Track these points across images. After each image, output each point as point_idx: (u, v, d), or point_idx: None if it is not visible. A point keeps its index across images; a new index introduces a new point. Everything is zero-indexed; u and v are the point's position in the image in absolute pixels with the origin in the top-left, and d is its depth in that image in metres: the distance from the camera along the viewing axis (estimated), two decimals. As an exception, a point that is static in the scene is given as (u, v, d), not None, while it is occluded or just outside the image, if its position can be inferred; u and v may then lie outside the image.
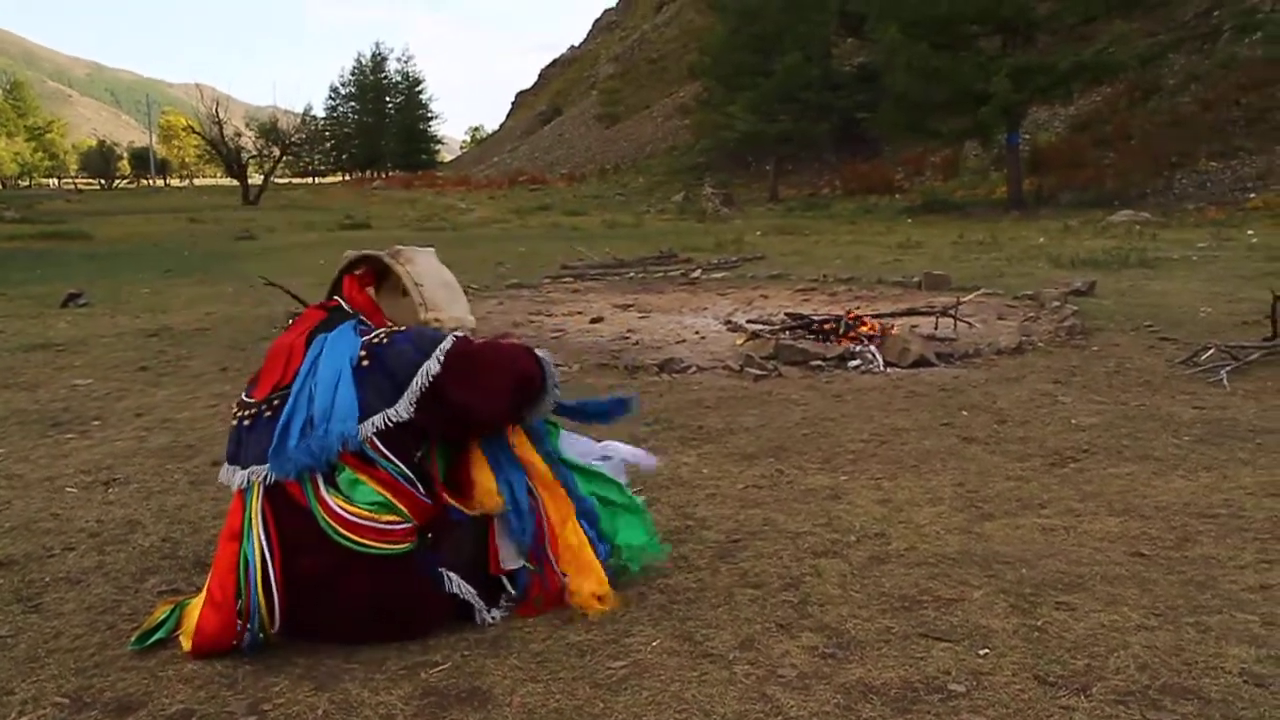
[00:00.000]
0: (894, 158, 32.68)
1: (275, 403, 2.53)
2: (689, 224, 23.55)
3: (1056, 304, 8.58)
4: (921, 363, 6.19)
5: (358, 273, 2.85)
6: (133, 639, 2.48)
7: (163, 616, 2.52)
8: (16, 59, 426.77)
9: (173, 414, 5.14)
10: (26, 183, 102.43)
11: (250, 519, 2.45)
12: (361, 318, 2.73)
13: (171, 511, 3.57)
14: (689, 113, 43.41)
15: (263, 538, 2.42)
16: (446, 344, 2.59)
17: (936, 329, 7.31)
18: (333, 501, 2.42)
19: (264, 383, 2.62)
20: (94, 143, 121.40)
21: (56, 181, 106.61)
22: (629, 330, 7.91)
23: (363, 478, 2.45)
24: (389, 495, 2.47)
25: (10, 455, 4.36)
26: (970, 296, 8.34)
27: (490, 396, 2.63)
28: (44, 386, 5.86)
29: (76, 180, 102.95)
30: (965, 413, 4.99)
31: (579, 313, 9.00)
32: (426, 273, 2.85)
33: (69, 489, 3.86)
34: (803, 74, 31.62)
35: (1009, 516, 3.43)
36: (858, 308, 8.27)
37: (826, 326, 7.00)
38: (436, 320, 2.78)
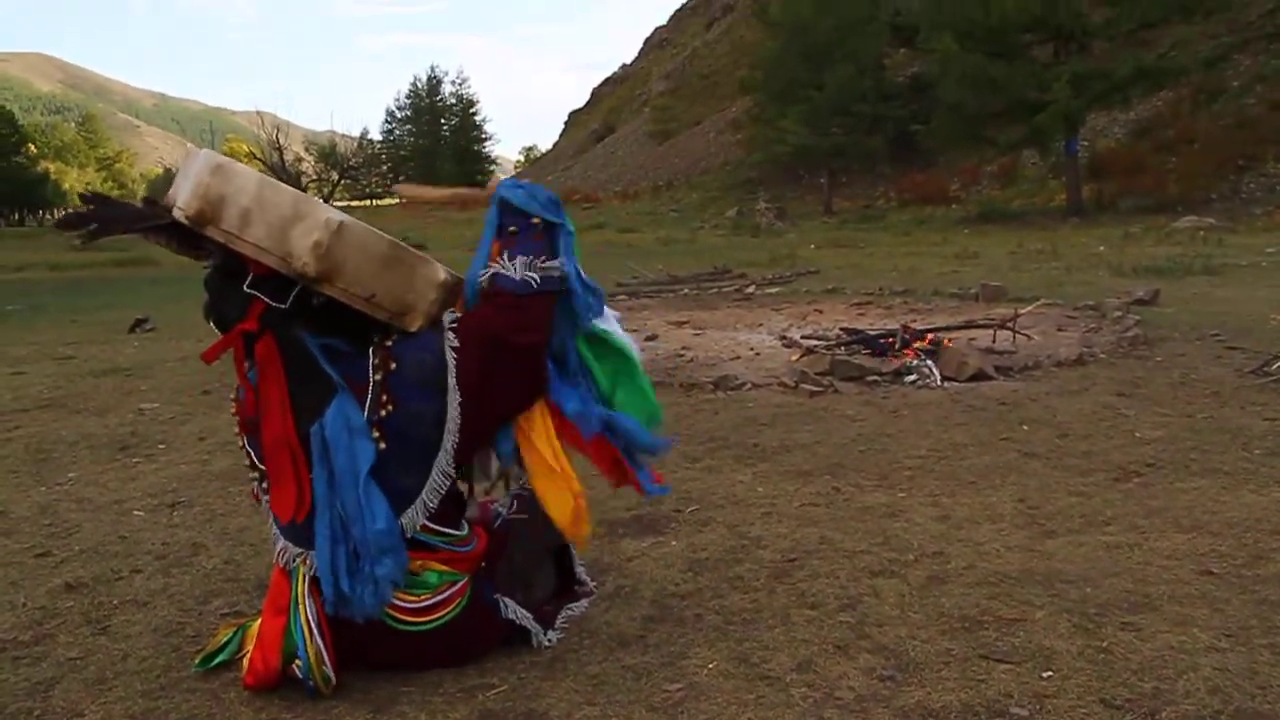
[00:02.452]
0: (949, 168, 32.34)
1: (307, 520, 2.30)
2: (743, 239, 23.53)
3: (1119, 314, 8.41)
4: (980, 376, 6.09)
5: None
6: (196, 661, 2.52)
7: (225, 639, 2.55)
8: (89, 93, 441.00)
9: (234, 438, 5.22)
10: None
11: (298, 602, 2.33)
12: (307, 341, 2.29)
13: (234, 534, 3.64)
14: (741, 128, 43.42)
15: (312, 623, 2.29)
16: (450, 347, 2.33)
17: (995, 342, 7.19)
18: (395, 598, 2.31)
19: (280, 498, 2.32)
20: (160, 171, 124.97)
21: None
22: (684, 347, 7.90)
23: (418, 566, 2.34)
24: (450, 568, 2.38)
25: (81, 479, 4.48)
26: (1029, 308, 8.20)
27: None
28: (113, 411, 6.01)
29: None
30: (1025, 427, 4.90)
31: (634, 330, 8.98)
32: (354, 262, 2.28)
33: (136, 512, 3.95)
34: (855, 86, 31.52)
35: (1072, 534, 3.36)
36: (914, 321, 8.17)
37: (882, 341, 6.93)
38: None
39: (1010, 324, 7.30)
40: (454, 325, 2.39)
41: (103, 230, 2.22)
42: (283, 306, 2.30)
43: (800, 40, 33.20)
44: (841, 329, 7.92)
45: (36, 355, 8.40)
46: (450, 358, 2.33)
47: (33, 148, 74.53)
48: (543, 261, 2.43)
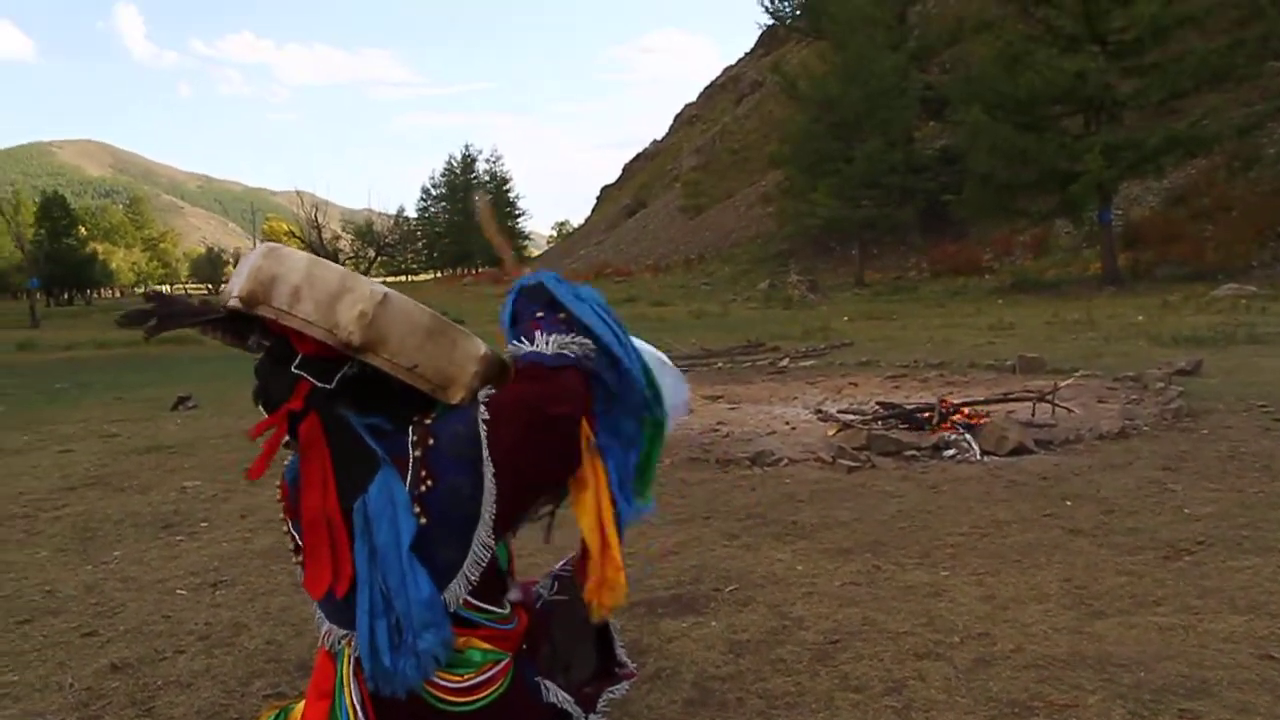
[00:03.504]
0: (981, 238, 32.37)
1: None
2: (775, 312, 23.60)
3: (1160, 385, 8.31)
4: (1020, 450, 6.03)
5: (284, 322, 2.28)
6: (240, 745, 2.51)
7: (267, 722, 2.54)
8: (137, 176, 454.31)
9: (275, 514, 5.25)
10: (141, 289, 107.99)
11: (343, 685, 2.31)
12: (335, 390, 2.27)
13: (275, 614, 3.65)
14: (772, 201, 43.80)
15: (357, 706, 2.28)
16: (483, 413, 2.30)
17: (1034, 415, 7.13)
18: (437, 677, 2.28)
19: (313, 573, 2.31)
20: (203, 250, 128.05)
21: (169, 288, 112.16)
22: (719, 422, 7.89)
23: (461, 644, 2.31)
24: (493, 646, 2.41)
25: (126, 557, 4.53)
26: (1068, 380, 8.14)
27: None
28: (156, 489, 6.09)
29: (187, 286, 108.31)
30: (1069, 502, 4.83)
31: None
32: (398, 333, 2.29)
33: (179, 591, 3.98)
34: (885, 159, 31.80)
35: (1122, 614, 3.29)
36: (951, 394, 8.13)
37: (920, 415, 6.89)
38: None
39: (1049, 396, 7.24)
40: (487, 400, 2.42)
41: (162, 325, 2.31)
42: (328, 387, 2.35)
43: (829, 114, 33.62)
44: (877, 403, 7.89)
45: (83, 433, 8.55)
46: (483, 430, 2.36)
47: (83, 230, 76.73)
48: (573, 338, 2.46)
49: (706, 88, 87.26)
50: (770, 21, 55.63)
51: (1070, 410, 7.27)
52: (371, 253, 52.41)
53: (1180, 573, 3.70)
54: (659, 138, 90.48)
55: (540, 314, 2.47)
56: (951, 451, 6.11)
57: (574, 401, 2.43)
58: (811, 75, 37.18)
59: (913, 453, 6.13)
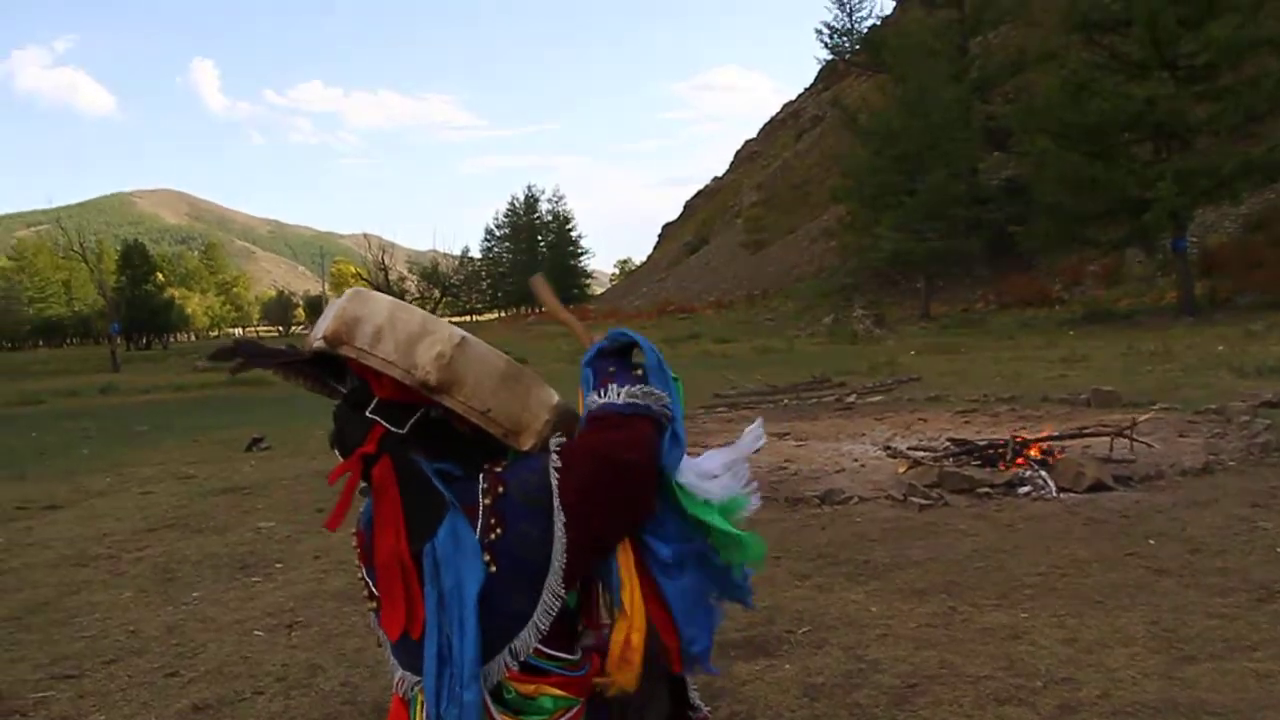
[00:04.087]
0: (1050, 269, 31.78)
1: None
2: (840, 347, 23.40)
3: (1245, 418, 8.05)
4: (1098, 487, 5.88)
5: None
6: (318, 788, 2.53)
7: (346, 765, 2.56)
8: (211, 223, 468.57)
9: (347, 555, 5.33)
10: (215, 333, 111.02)
11: None
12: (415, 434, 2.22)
13: (350, 655, 3.69)
14: (834, 235, 43.60)
15: None
16: (554, 460, 2.26)
17: (1112, 450, 6.94)
18: None
19: (389, 615, 2.26)
20: (273, 294, 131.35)
21: (241, 330, 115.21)
22: (787, 460, 7.83)
23: (532, 691, 2.39)
24: (566, 693, 2.40)
25: (205, 598, 4.62)
26: (1147, 415, 7.92)
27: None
28: (232, 529, 6.21)
29: (258, 328, 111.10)
30: (1152, 541, 4.69)
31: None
32: (473, 376, 2.27)
33: (257, 632, 4.04)
34: (949, 191, 31.49)
35: (1215, 660, 3.17)
36: (1023, 429, 7.96)
37: (992, 451, 6.76)
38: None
39: (1127, 431, 7.05)
40: (558, 448, 2.44)
41: (247, 364, 2.39)
42: (401, 431, 2.40)
43: (891, 147, 33.42)
44: (948, 439, 7.76)
45: (162, 474, 8.77)
46: (553, 478, 2.38)
47: (161, 276, 79.18)
48: (645, 389, 2.47)
49: (766, 123, 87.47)
50: (829, 56, 55.70)
51: (1150, 445, 7.06)
52: (437, 293, 53.23)
53: (1276, 616, 3.56)
54: (719, 174, 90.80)
55: (613, 369, 2.49)
56: (1026, 489, 5.97)
57: (645, 448, 2.43)
58: (872, 109, 37.10)
59: (986, 490, 6.01)
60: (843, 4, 49.56)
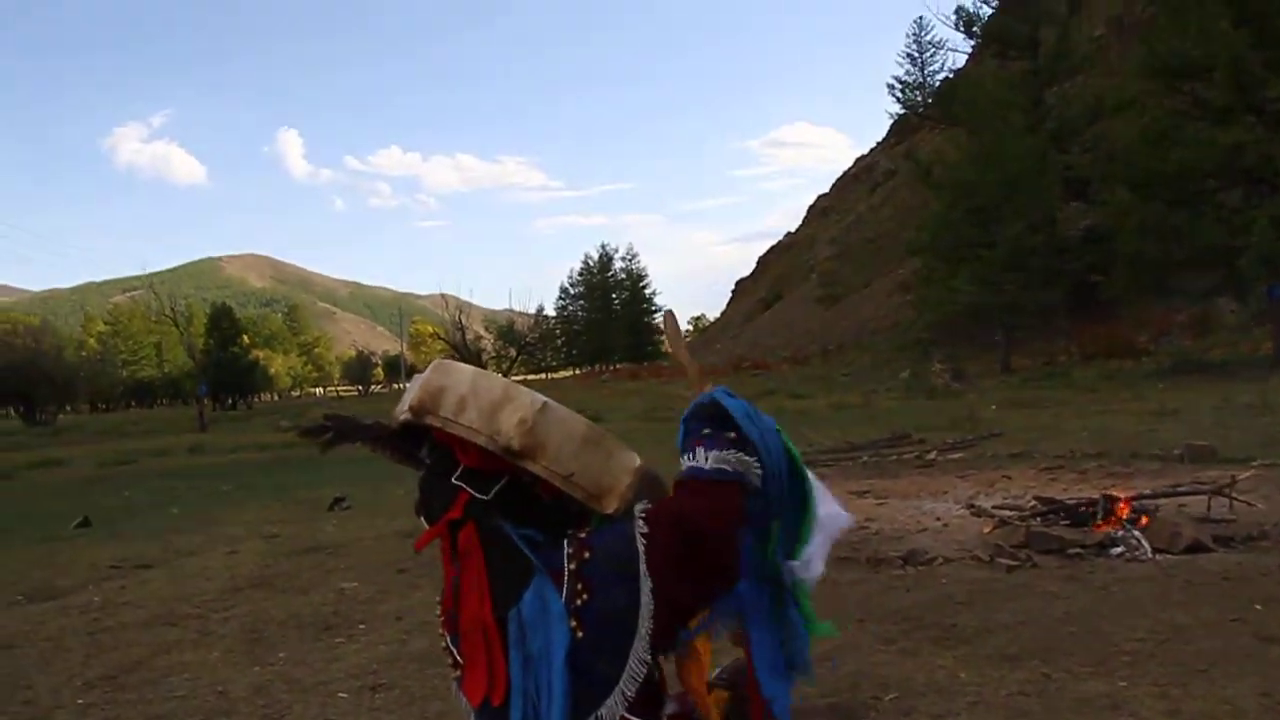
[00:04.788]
0: (1135, 319, 31.00)
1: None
2: (919, 402, 23.03)
3: (1351, 474, 7.69)
4: (1196, 548, 5.65)
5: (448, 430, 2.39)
6: None
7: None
8: (294, 285, 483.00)
9: (429, 616, 5.36)
10: (298, 393, 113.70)
11: None
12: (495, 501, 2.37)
13: (433, 719, 3.69)
14: (910, 289, 43.19)
15: None
16: (641, 539, 2.34)
17: (1210, 509, 6.68)
18: None
19: (471, 680, 2.37)
20: (353, 353, 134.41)
21: (322, 390, 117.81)
22: (867, 519, 7.69)
23: None
24: None
25: (290, 659, 4.68)
26: (1247, 471, 7.62)
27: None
28: (316, 590, 6.30)
29: (339, 388, 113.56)
30: (1259, 606, 4.48)
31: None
32: (556, 440, 2.37)
33: (341, 694, 4.08)
34: (1026, 242, 31.03)
35: (1331, 734, 3.00)
36: (1114, 487, 7.71)
37: (1082, 509, 6.55)
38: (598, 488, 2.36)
39: (1227, 489, 6.78)
40: (644, 513, 2.43)
41: (337, 440, 2.47)
42: (485, 498, 2.43)
43: (966, 200, 33.15)
44: (1035, 497, 7.55)
45: (248, 534, 8.95)
46: (640, 544, 2.37)
47: (246, 338, 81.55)
48: (734, 454, 2.46)
49: (839, 178, 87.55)
50: (901, 110, 55.75)
51: (1251, 504, 6.77)
52: (513, 352, 53.93)
53: (1396, 687, 3.36)
54: (792, 229, 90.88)
55: (706, 430, 2.49)
56: (1119, 549, 5.76)
57: (728, 517, 2.42)
58: (946, 162, 36.89)
59: (1077, 551, 5.81)
60: (914, 59, 49.78)
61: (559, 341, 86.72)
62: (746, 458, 2.48)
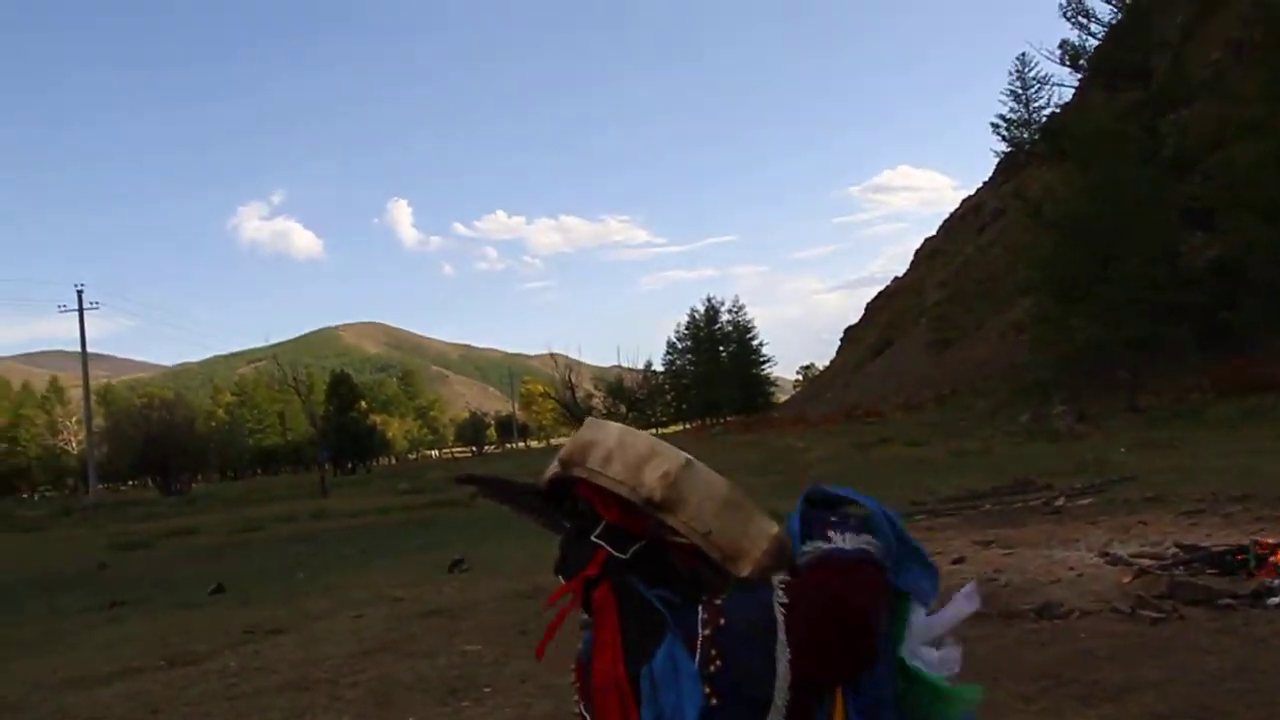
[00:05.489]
0: (1273, 351, 29.37)
1: None
2: (1041, 446, 22.22)
3: None
4: (1362, 596, 5.26)
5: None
6: None
7: None
8: (408, 350, 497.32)
9: (553, 679, 5.36)
10: (414, 455, 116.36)
11: None
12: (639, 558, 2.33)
13: (560, 783, 3.67)
14: (1025, 329, 41.94)
15: None
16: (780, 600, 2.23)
17: (1373, 552, 6.22)
18: None
19: None
20: (466, 415, 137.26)
21: (437, 452, 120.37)
22: (995, 570, 7.41)
23: None
24: None
25: (418, 723, 4.73)
26: None
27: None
28: (440, 653, 6.37)
29: (453, 449, 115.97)
30: None
31: (937, 553, 8.57)
32: (697, 497, 2.36)
33: (468, 758, 4.09)
34: (1147, 276, 29.85)
35: None
36: (1263, 532, 7.26)
37: (1230, 557, 6.18)
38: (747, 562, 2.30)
39: (1389, 531, 6.32)
40: (784, 584, 2.41)
41: (485, 494, 2.59)
42: (623, 557, 2.46)
43: (1080, 236, 32.15)
44: (1176, 544, 7.17)
45: (372, 598, 9.14)
46: (780, 614, 2.33)
47: (364, 404, 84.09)
48: (870, 539, 2.44)
49: (946, 220, 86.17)
50: (1007, 148, 54.68)
51: None
52: (623, 408, 54.23)
53: None
54: (900, 274, 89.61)
55: (834, 519, 2.48)
56: (1277, 600, 5.41)
57: (874, 596, 2.37)
58: (1057, 198, 35.92)
59: (1228, 601, 5.48)
60: (1018, 96, 48.79)
61: (668, 396, 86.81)
62: (881, 543, 2.46)
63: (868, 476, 18.36)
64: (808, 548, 2.41)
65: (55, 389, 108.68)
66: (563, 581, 2.52)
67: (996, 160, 66.13)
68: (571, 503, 2.59)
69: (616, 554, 2.43)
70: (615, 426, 2.56)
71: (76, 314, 56.46)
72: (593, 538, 2.45)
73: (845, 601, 2.36)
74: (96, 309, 58.24)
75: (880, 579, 2.39)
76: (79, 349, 59.47)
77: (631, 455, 2.45)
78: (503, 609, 7.78)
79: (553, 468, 2.54)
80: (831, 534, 2.44)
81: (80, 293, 56.74)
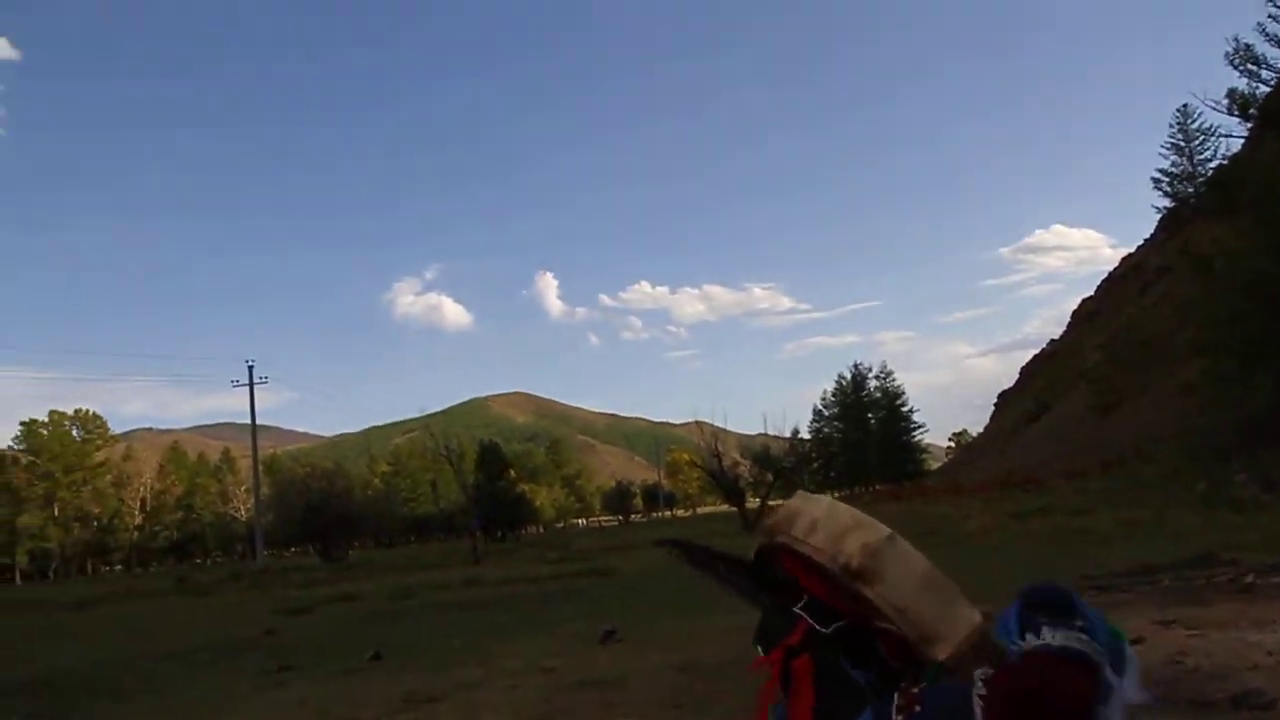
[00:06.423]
0: None
1: None
2: (1222, 516, 20.73)
3: None
4: None
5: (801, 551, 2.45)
6: None
7: None
8: (555, 420, 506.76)
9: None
10: (561, 524, 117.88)
11: None
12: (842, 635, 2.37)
13: None
14: (1198, 391, 39.53)
15: None
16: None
17: None
18: None
19: None
20: (613, 484, 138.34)
21: (584, 520, 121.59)
22: (1180, 652, 6.89)
23: None
24: None
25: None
26: None
27: None
28: (596, 727, 6.32)
29: (600, 518, 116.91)
30: None
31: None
32: (896, 572, 2.38)
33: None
34: (1337, 334, 27.78)
35: None
36: None
37: None
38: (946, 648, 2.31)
39: None
40: (985, 677, 2.33)
41: (684, 559, 2.70)
42: (824, 630, 2.47)
43: (1259, 291, 30.26)
44: (1391, 627, 6.51)
45: (526, 668, 9.19)
46: (977, 706, 2.26)
47: (513, 473, 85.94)
48: (1079, 635, 2.32)
49: (1104, 279, 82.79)
50: (1170, 204, 52.31)
51: None
52: (769, 476, 53.52)
53: None
54: (1055, 336, 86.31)
55: (1044, 617, 2.39)
56: None
57: (1076, 698, 2.25)
58: (1229, 253, 33.99)
59: None
60: (1180, 149, 46.86)
61: (815, 464, 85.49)
62: (1095, 643, 2.34)
63: (1028, 547, 17.50)
64: (1018, 642, 2.30)
65: (227, 459, 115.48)
66: (761, 652, 2.54)
67: (1158, 216, 63.27)
68: (774, 575, 2.61)
69: (819, 627, 2.43)
70: (824, 499, 2.61)
71: (247, 388, 59.99)
72: (796, 609, 2.47)
73: (1040, 698, 2.22)
74: (265, 383, 61.72)
75: (1087, 681, 2.25)
76: (248, 420, 63.04)
77: (835, 526, 2.48)
78: (657, 682, 7.68)
79: (759, 538, 2.58)
80: (1044, 629, 2.32)
81: (251, 368, 60.36)
